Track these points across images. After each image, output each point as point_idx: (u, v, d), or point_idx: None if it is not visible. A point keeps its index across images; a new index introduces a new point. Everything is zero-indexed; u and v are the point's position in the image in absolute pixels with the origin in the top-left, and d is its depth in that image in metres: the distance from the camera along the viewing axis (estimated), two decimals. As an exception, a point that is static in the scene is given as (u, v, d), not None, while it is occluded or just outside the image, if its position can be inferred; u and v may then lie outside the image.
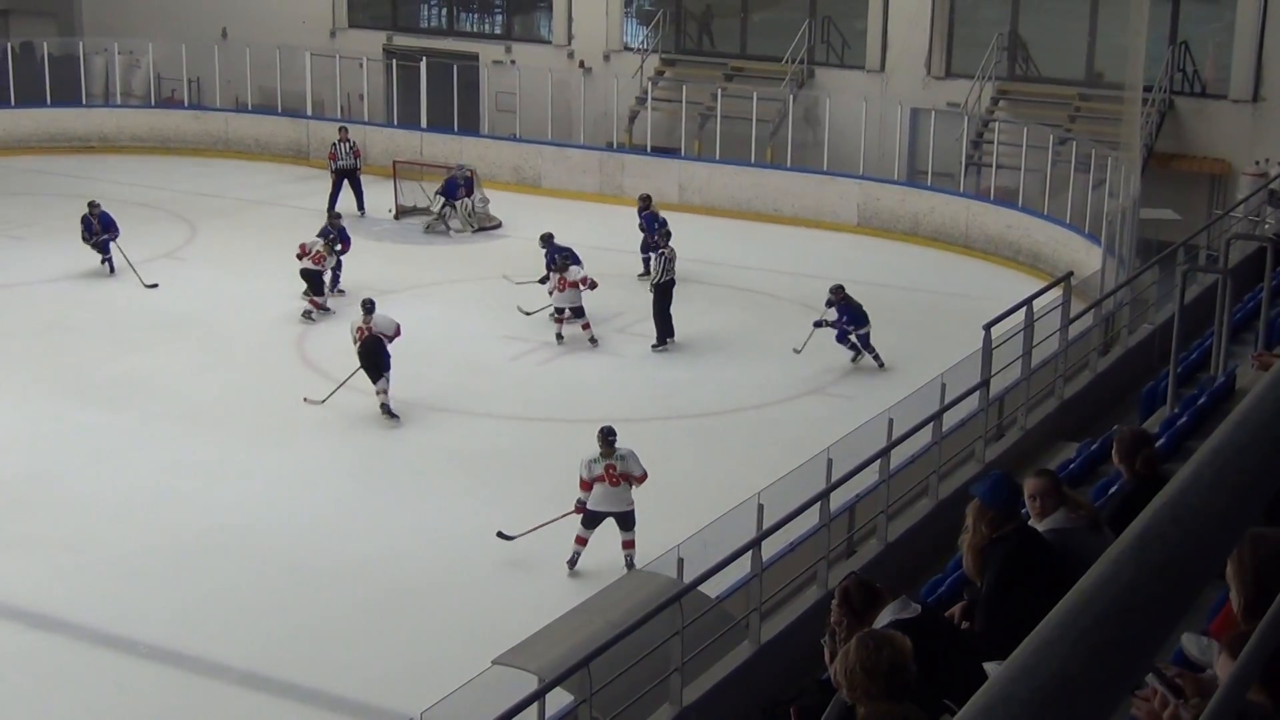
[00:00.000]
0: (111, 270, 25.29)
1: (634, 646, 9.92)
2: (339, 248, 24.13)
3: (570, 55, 34.62)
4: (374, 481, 17.62)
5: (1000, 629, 7.03)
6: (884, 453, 12.69)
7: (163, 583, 15.11)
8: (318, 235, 23.93)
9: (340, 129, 30.25)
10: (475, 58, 35.29)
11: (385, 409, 19.33)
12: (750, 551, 10.97)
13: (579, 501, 15.30)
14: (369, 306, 19.84)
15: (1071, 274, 18.21)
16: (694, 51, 34.49)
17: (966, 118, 29.53)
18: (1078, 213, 25.92)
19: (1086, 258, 24.25)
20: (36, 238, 27.50)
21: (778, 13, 34.35)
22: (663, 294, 22.42)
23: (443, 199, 28.96)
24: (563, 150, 32.45)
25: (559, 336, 22.52)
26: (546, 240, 23.94)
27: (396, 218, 29.27)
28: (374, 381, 19.39)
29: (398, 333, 19.79)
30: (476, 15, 38.08)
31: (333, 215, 25.80)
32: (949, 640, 6.94)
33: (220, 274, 25.79)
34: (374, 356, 19.41)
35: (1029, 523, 7.89)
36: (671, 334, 22.38)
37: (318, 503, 17.07)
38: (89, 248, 25.33)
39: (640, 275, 25.26)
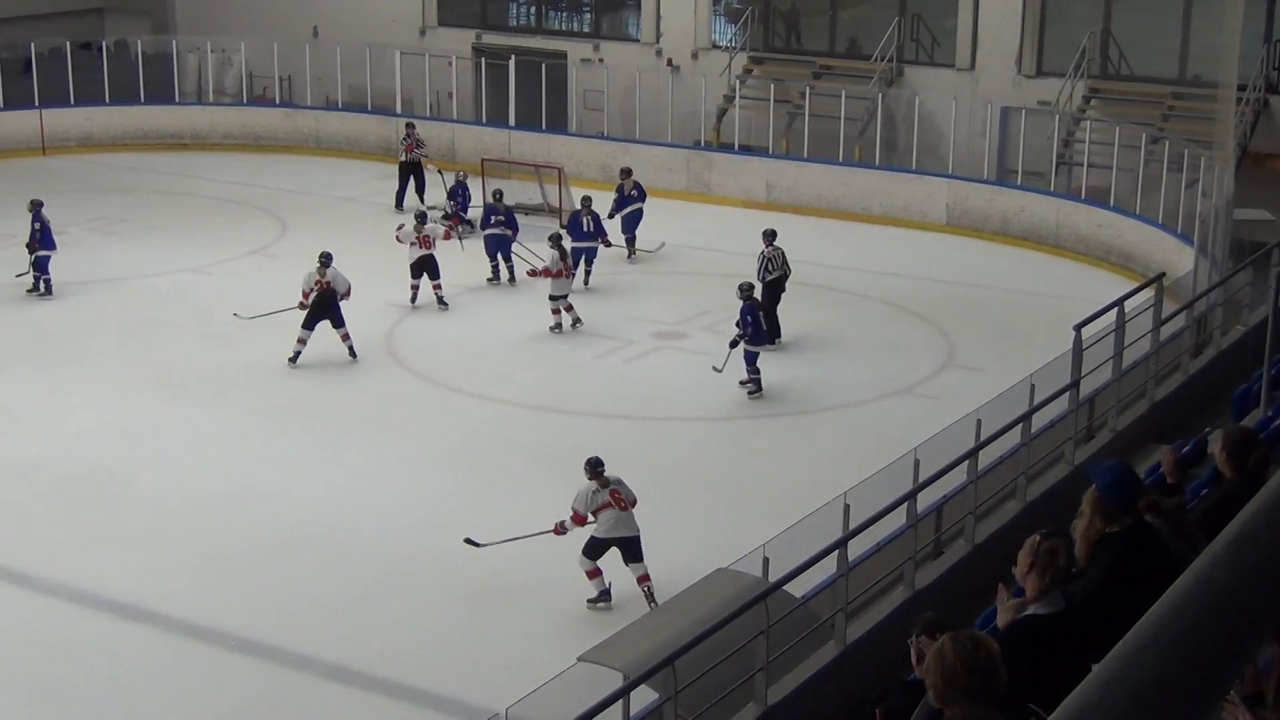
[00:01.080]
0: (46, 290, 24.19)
1: (719, 645, 9.91)
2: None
3: (658, 53, 34.63)
4: (463, 478, 17.69)
5: (1105, 630, 6.91)
6: (972, 453, 12.60)
7: (252, 576, 15.27)
8: (440, 215, 24.09)
9: (408, 124, 31.09)
10: (564, 56, 35.38)
11: (351, 350, 21.47)
12: (836, 551, 10.93)
13: (560, 525, 14.80)
14: (326, 260, 21.63)
15: (1163, 275, 18.03)
16: (782, 49, 34.40)
17: (1057, 116, 29.27)
18: (1170, 213, 25.63)
19: (1179, 258, 23.98)
20: (130, 233, 27.88)
21: (867, 10, 34.21)
22: (769, 292, 22.42)
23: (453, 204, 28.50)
24: (650, 148, 32.45)
25: (558, 326, 22.78)
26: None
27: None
28: (336, 328, 21.41)
29: (348, 293, 21.51)
30: (565, 14, 38.17)
31: (455, 189, 27.20)
32: (1080, 640, 6.77)
33: (308, 270, 25.95)
34: (327, 309, 21.45)
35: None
36: (775, 335, 22.09)
37: (407, 498, 17.17)
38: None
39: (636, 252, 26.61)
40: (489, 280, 25.02)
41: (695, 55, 34.25)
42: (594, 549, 14.65)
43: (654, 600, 14.12)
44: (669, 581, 12.64)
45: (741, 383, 20.30)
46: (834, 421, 19.63)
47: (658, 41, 34.79)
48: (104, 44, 36.22)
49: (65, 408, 19.81)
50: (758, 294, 21.15)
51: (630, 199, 27.08)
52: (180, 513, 16.68)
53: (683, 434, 19.21)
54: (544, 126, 33.68)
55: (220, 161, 33.95)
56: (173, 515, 16.62)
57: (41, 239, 24.08)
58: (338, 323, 21.45)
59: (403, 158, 30.64)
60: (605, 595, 14.60)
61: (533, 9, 37.87)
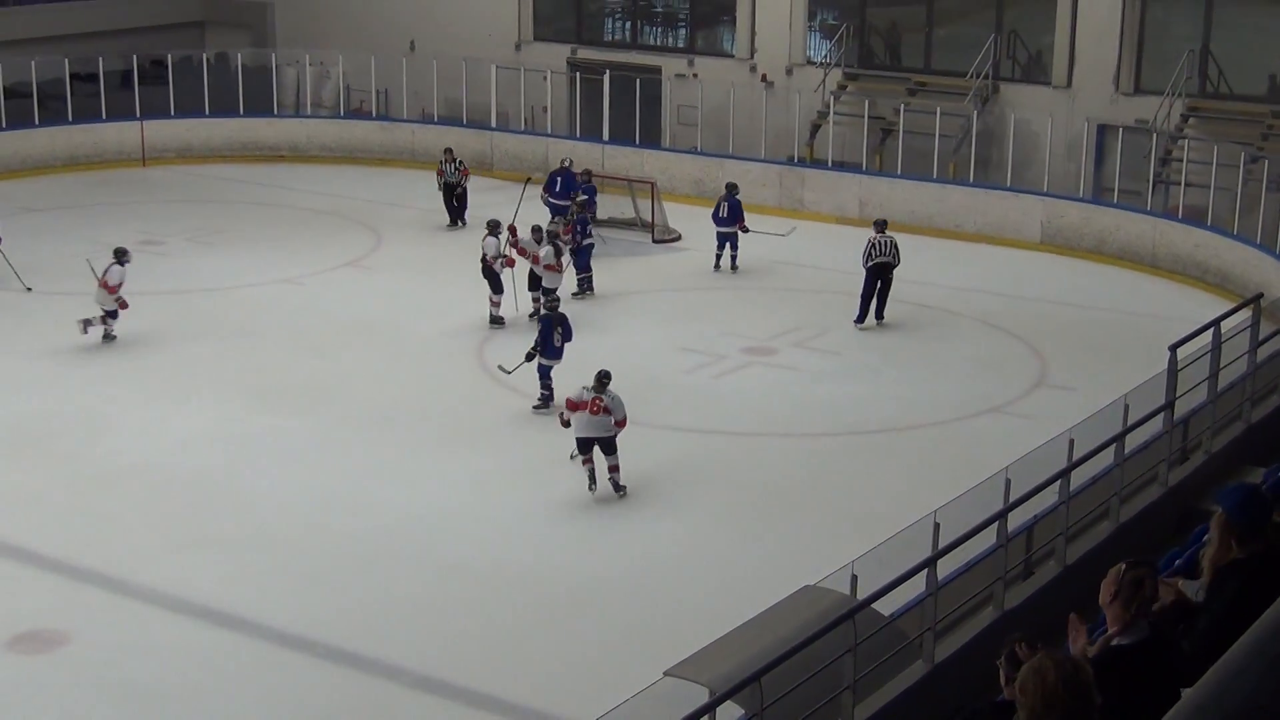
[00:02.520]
0: None
1: (806, 662, 9.86)
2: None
3: (753, 69, 34.61)
4: (551, 489, 17.73)
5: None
6: (1064, 473, 12.46)
7: (343, 585, 15.37)
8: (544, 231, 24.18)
9: (445, 150, 30.97)
10: (658, 71, 35.45)
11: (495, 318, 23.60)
12: (925, 570, 10.85)
13: (562, 415, 17.85)
14: (494, 228, 23.82)
15: (1261, 295, 17.76)
16: (877, 66, 34.27)
17: (1155, 134, 28.97)
18: (1268, 233, 25.30)
19: (1277, 279, 23.67)
20: (227, 244, 28.19)
21: (963, 27, 34.00)
22: (869, 276, 23.85)
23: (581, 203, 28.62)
24: (743, 164, 32.41)
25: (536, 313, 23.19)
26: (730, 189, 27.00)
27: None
28: (494, 293, 23.59)
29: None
30: (660, 29, 38.23)
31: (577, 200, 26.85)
32: (1165, 667, 6.66)
33: (404, 281, 26.22)
34: (493, 276, 23.69)
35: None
36: (865, 314, 23.82)
37: (495, 508, 17.25)
38: None
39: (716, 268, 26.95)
40: (574, 294, 25.03)
41: (790, 71, 34.20)
42: (582, 445, 17.57)
43: (621, 489, 17.52)
44: (756, 598, 12.58)
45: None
46: (925, 439, 19.51)
47: (752, 57, 34.78)
48: (205, 57, 36.70)
49: (161, 416, 20.06)
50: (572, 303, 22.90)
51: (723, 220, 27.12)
52: (273, 521, 16.85)
53: (773, 450, 19.16)
54: (638, 141, 33.76)
55: (317, 173, 34.29)
56: (266, 523, 16.78)
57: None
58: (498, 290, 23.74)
59: (444, 181, 30.44)
60: (591, 480, 17.53)
61: (628, 24, 37.97)
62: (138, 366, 21.86)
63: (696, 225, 29.65)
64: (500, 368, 20.92)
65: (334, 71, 37.55)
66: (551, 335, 20.24)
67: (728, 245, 27.12)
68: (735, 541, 16.42)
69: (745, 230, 26.87)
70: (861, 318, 23.76)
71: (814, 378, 21.68)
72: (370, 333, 23.50)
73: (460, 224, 29.80)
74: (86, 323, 22.29)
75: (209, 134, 35.96)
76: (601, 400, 17.42)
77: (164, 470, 18.25)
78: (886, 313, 23.94)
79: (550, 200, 28.52)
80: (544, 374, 20.25)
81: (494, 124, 35.42)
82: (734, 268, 27.05)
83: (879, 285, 23.80)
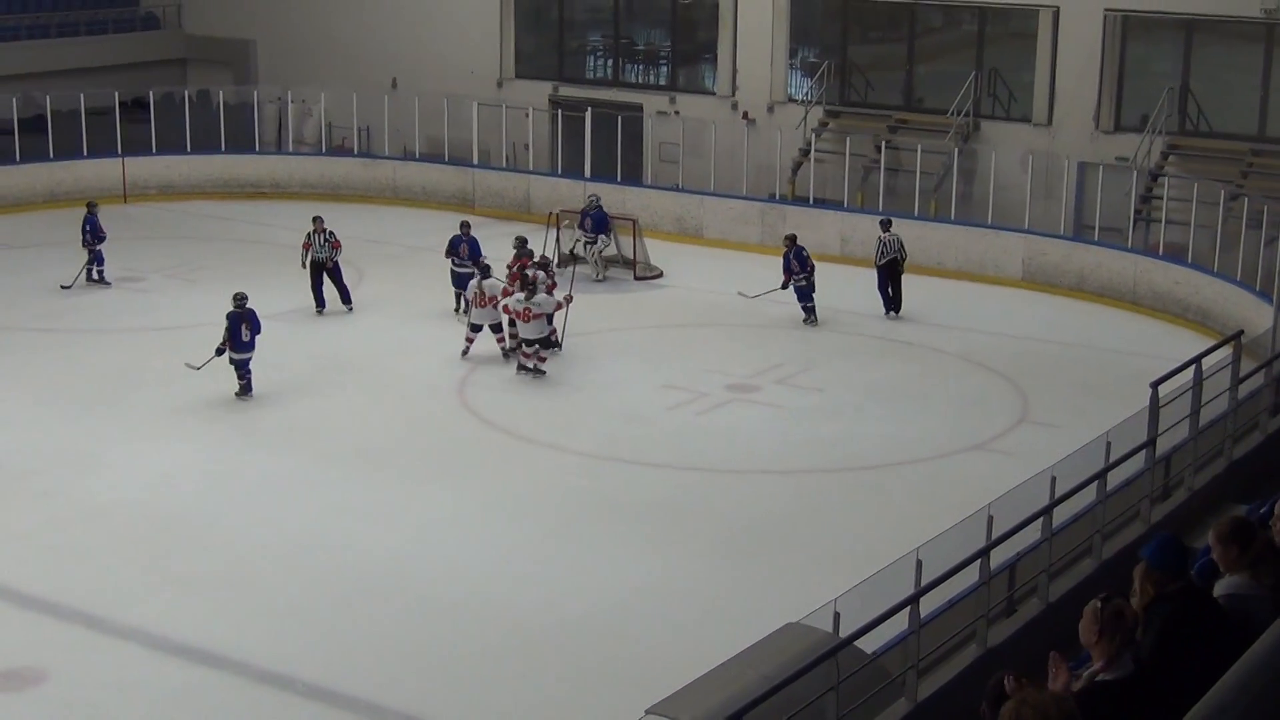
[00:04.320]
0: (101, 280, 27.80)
1: (788, 701, 9.83)
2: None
3: (734, 106, 34.73)
4: (532, 529, 17.70)
5: (1161, 691, 6.86)
6: (1046, 510, 12.47)
7: (323, 622, 15.32)
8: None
9: (315, 219, 26.69)
10: (639, 108, 35.56)
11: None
12: (908, 607, 10.83)
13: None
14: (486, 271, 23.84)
15: (1242, 332, 17.83)
16: (858, 103, 34.40)
17: (1135, 172, 29.11)
18: (1249, 270, 25.39)
19: (1257, 316, 23.74)
20: (208, 280, 28.12)
21: (944, 65, 34.17)
22: (882, 272, 26.65)
23: (595, 235, 29.13)
24: (725, 201, 32.51)
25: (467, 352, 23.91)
26: (790, 241, 26.47)
27: (559, 266, 29.32)
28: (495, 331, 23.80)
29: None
30: (641, 66, 38.34)
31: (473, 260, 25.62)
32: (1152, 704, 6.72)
33: (385, 318, 26.20)
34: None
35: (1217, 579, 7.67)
36: (890, 307, 26.51)
37: (474, 544, 17.21)
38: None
39: (806, 321, 25.96)
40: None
41: (771, 109, 34.33)
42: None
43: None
44: (739, 635, 12.56)
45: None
46: (908, 476, 19.52)
47: (734, 95, 34.91)
48: (186, 94, 36.73)
49: (142, 452, 20.01)
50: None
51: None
52: (254, 559, 16.79)
53: (756, 487, 19.16)
54: (619, 179, 33.82)
55: (299, 210, 34.24)
56: (246, 561, 16.72)
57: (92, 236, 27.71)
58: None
59: (309, 257, 26.48)
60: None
61: (609, 62, 38.09)
62: (118, 401, 21.80)
63: (678, 262, 29.77)
64: (187, 365, 21.99)
65: (316, 109, 37.62)
66: (239, 331, 21.67)
67: (801, 297, 26.11)
68: (717, 578, 16.39)
69: (784, 287, 26.22)
70: (887, 309, 26.57)
71: (797, 415, 21.70)
72: (351, 370, 23.48)
73: (349, 307, 26.53)
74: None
75: (190, 171, 36.01)
76: (531, 310, 21.59)
77: (144, 507, 18.18)
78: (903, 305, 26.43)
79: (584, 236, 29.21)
80: (242, 366, 21.87)
81: (475, 161, 35.47)
82: (805, 319, 26.18)
83: (891, 280, 26.54)
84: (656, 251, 30.00)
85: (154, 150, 35.58)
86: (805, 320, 25.97)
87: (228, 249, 31.28)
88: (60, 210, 33.76)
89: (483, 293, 23.68)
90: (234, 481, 19.07)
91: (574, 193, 32.91)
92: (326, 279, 26.44)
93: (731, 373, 23.34)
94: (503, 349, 23.80)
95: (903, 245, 26.67)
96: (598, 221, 29.20)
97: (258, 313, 22.09)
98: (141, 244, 31.18)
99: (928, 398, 22.51)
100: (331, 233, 26.31)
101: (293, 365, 23.55)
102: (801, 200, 32.27)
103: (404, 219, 34.26)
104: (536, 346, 23.10)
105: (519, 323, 23.23)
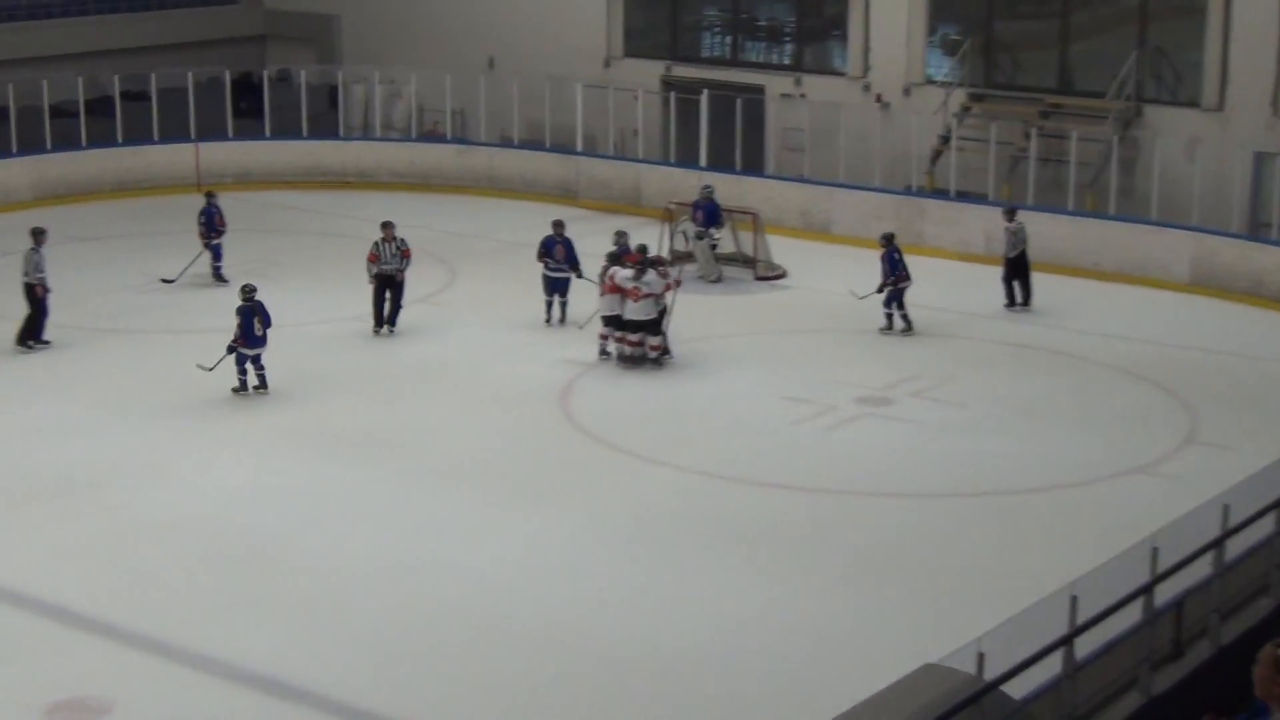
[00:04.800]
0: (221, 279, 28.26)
1: (927, 750, 9.78)
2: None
3: (866, 88, 34.60)
4: (641, 555, 17.66)
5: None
6: (1218, 542, 12.36)
7: (407, 652, 15.37)
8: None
9: (384, 225, 25.82)
10: (761, 90, 35.52)
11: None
12: (1061, 649, 10.75)
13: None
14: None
15: None
16: (1005, 85, 34.14)
17: (1319, 163, 28.72)
18: None
19: None
20: (287, 277, 28.41)
21: (1101, 43, 33.80)
22: (1009, 266, 27.59)
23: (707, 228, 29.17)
24: (855, 193, 32.40)
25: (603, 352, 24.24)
26: (886, 240, 26.30)
27: (670, 263, 29.30)
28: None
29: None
30: (764, 44, 38.30)
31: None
32: None
33: (479, 322, 26.34)
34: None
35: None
36: (1019, 299, 27.38)
37: (570, 570, 17.23)
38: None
39: (883, 330, 26.03)
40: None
41: (907, 91, 34.15)
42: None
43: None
44: (865, 676, 12.48)
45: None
46: (1059, 502, 19.32)
47: (865, 75, 34.78)
48: (266, 74, 37.17)
49: (213, 466, 20.23)
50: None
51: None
52: (334, 583, 16.90)
53: (886, 512, 19.03)
54: (738, 168, 33.83)
55: (386, 202, 34.57)
56: (325, 586, 16.84)
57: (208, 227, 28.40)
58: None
59: (375, 270, 25.71)
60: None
61: (728, 39, 38.09)
62: (190, 412, 22.06)
63: (803, 261, 29.67)
64: (199, 365, 22.70)
65: (405, 90, 37.94)
66: (252, 325, 22.43)
67: (886, 301, 26.15)
68: (842, 611, 16.30)
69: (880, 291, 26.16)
70: (1012, 302, 27.39)
71: (935, 431, 21.57)
72: (441, 377, 23.61)
73: (390, 329, 25.67)
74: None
75: (269, 158, 36.44)
76: (640, 289, 22.24)
77: (215, 523, 18.37)
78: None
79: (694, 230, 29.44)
80: (255, 361, 22.60)
81: (580, 148, 35.59)
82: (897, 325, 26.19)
83: (1020, 272, 27.41)
84: (779, 249, 29.96)
85: (230, 135, 36.06)
86: (882, 329, 25.88)
87: (308, 243, 31.62)
88: (128, 200, 34.30)
89: (613, 279, 23.79)
90: (312, 497, 19.20)
91: (687, 183, 32.88)
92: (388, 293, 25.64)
93: (862, 384, 23.26)
94: (603, 348, 24.01)
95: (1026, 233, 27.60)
96: (710, 213, 29.18)
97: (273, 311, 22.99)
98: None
99: (1082, 414, 22.29)
100: (403, 240, 25.64)
101: (378, 371, 23.71)
102: (941, 193, 32.10)
103: (501, 211, 34.41)
104: (643, 335, 23.40)
105: (628, 302, 23.45)
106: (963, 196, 31.90)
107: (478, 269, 29.72)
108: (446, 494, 19.34)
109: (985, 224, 30.64)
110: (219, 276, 28.28)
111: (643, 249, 24.90)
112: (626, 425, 21.79)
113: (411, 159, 36.91)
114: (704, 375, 23.71)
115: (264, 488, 19.53)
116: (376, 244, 25.59)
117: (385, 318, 25.57)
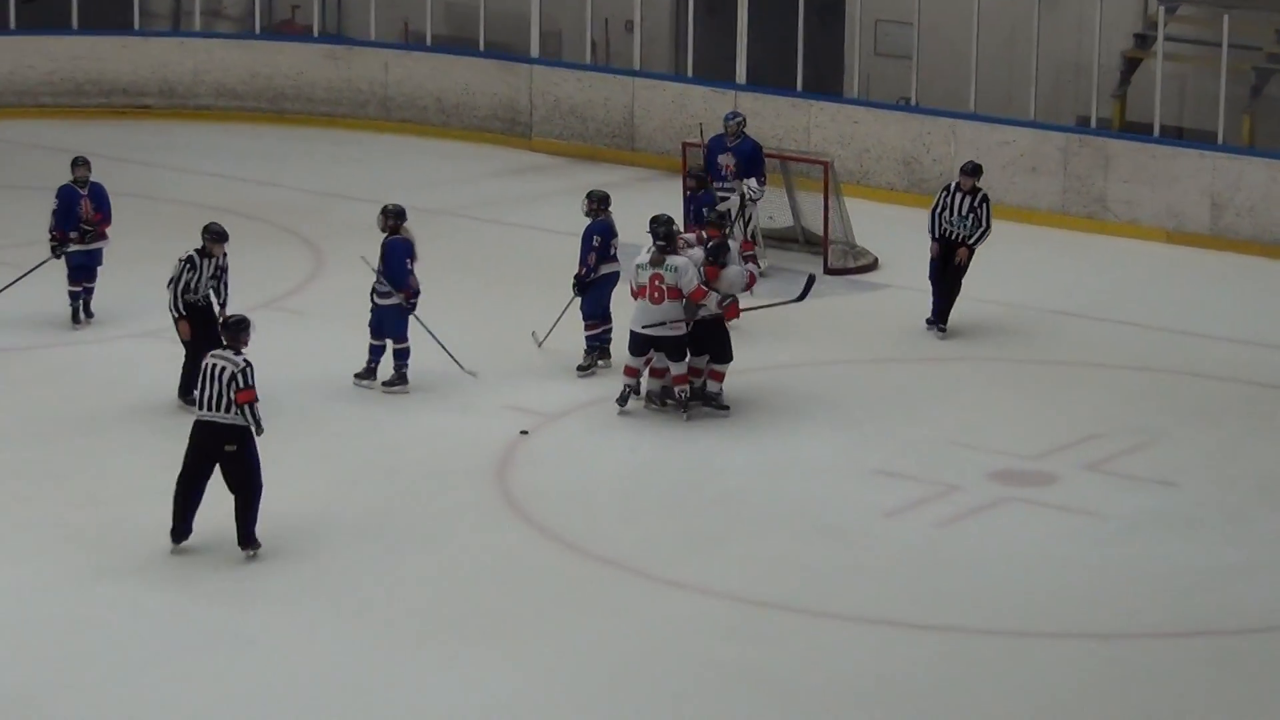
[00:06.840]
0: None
1: None
2: None
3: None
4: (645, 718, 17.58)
5: None
6: None
7: None
8: None
9: (209, 232, 24.18)
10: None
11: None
12: None
13: None
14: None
15: None
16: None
17: None
18: None
19: None
20: (43, 269, 28.12)
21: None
22: None
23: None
24: (996, 129, 33.13)
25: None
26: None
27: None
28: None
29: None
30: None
31: None
32: None
33: (359, 339, 26.05)
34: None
35: None
36: None
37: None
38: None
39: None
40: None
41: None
42: (634, 345, 22.90)
43: (685, 408, 23.25)
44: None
45: None
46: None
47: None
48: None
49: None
50: None
51: None
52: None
53: (1047, 661, 18.84)
54: (799, 88, 33.98)
55: (210, 139, 34.52)
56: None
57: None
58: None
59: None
60: (621, 400, 23.20)
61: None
62: None
63: (906, 242, 29.36)
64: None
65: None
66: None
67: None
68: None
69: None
70: None
71: (1126, 528, 21.46)
72: (304, 433, 23.34)
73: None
74: None
75: (13, 65, 36.55)
76: (663, 277, 22.78)
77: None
78: None
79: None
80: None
81: (535, 53, 35.61)
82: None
83: None
84: (864, 222, 30.04)
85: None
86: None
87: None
88: None
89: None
90: (96, 644, 18.81)
91: (715, 110, 32.76)
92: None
93: (1001, 449, 23.27)
94: (630, 392, 23.87)
95: None
96: (748, 158, 28.79)
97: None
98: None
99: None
100: (225, 255, 24.07)
101: (183, 428, 23.38)
102: (1137, 131, 32.22)
103: (405, 153, 34.40)
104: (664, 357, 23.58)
105: (640, 302, 23.43)
106: (1172, 139, 32.18)
107: (354, 250, 29.22)
108: (359, 637, 18.89)
109: (1212, 183, 30.60)
110: None
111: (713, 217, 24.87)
112: (608, 518, 21.80)
113: (252, 66, 37.31)
114: (741, 433, 23.65)
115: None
116: (192, 256, 23.78)
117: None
